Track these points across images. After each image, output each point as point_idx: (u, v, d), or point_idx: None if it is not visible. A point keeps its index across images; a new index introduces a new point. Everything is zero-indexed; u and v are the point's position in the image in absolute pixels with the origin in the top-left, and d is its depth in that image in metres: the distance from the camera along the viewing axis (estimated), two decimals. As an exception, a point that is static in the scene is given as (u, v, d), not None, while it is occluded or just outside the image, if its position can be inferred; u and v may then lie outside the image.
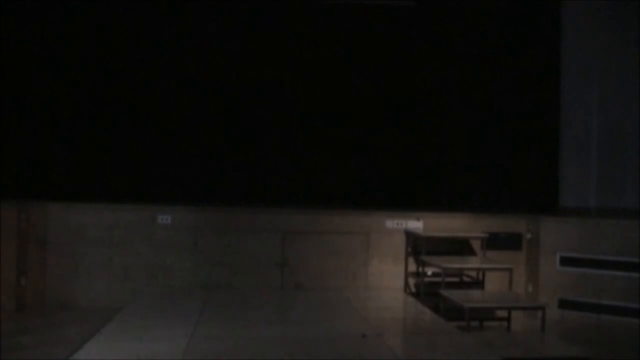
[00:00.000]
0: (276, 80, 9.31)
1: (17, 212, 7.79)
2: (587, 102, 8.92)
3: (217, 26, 9.21)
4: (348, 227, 8.42)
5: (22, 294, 7.80)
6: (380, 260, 8.41)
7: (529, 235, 8.50)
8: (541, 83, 9.18)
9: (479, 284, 8.06)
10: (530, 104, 9.20)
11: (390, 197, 9.30)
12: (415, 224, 8.43)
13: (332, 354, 5.50)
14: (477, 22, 9.27)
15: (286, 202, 8.89)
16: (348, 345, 5.75)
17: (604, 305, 7.89)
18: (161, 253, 8.22)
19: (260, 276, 8.26)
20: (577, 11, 8.97)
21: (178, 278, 8.22)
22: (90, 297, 8.10)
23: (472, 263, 8.13)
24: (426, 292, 7.78)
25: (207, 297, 7.58)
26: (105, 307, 7.51)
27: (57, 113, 9.06)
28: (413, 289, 8.32)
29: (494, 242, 8.24)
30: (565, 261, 8.18)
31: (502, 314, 7.43)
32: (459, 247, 8.42)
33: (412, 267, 8.33)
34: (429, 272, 8.00)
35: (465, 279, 8.19)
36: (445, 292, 7.17)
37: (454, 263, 7.77)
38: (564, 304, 8.14)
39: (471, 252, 8.44)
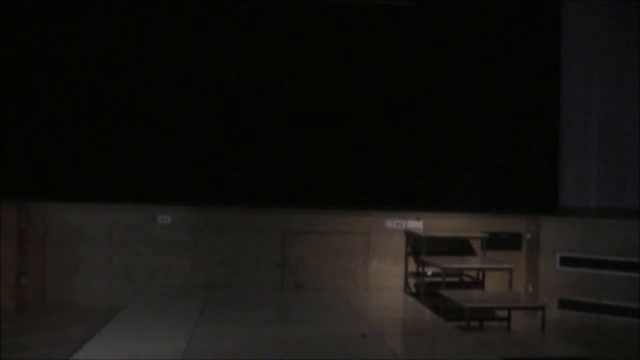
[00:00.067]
0: (276, 80, 9.31)
1: (17, 212, 7.78)
2: (587, 102, 8.91)
3: (217, 26, 9.21)
4: (348, 227, 8.42)
5: (22, 294, 7.80)
6: (380, 260, 8.41)
7: (528, 235, 8.50)
8: (541, 83, 9.17)
9: (479, 284, 8.06)
10: (530, 104, 9.20)
11: (390, 197, 9.29)
12: (415, 224, 8.43)
13: (332, 354, 5.49)
14: (477, 22, 9.27)
15: (286, 202, 8.89)
16: (348, 345, 5.74)
17: (603, 305, 7.88)
18: (161, 253, 8.24)
19: (260, 276, 8.27)
20: (577, 11, 8.96)
21: (178, 278, 8.23)
22: (90, 297, 8.10)
23: (472, 263, 8.13)
24: (426, 292, 7.78)
25: (207, 297, 7.58)
26: (105, 307, 7.53)
27: (57, 113, 9.07)
28: (413, 289, 8.32)
29: (494, 242, 8.25)
30: (565, 261, 8.18)
31: (502, 314, 7.43)
32: (459, 247, 8.41)
33: (412, 267, 8.33)
34: (429, 272, 7.99)
35: (465, 279, 8.19)
36: (445, 292, 7.17)
37: (454, 263, 7.78)
38: (563, 304, 8.13)
39: (471, 252, 8.44)
